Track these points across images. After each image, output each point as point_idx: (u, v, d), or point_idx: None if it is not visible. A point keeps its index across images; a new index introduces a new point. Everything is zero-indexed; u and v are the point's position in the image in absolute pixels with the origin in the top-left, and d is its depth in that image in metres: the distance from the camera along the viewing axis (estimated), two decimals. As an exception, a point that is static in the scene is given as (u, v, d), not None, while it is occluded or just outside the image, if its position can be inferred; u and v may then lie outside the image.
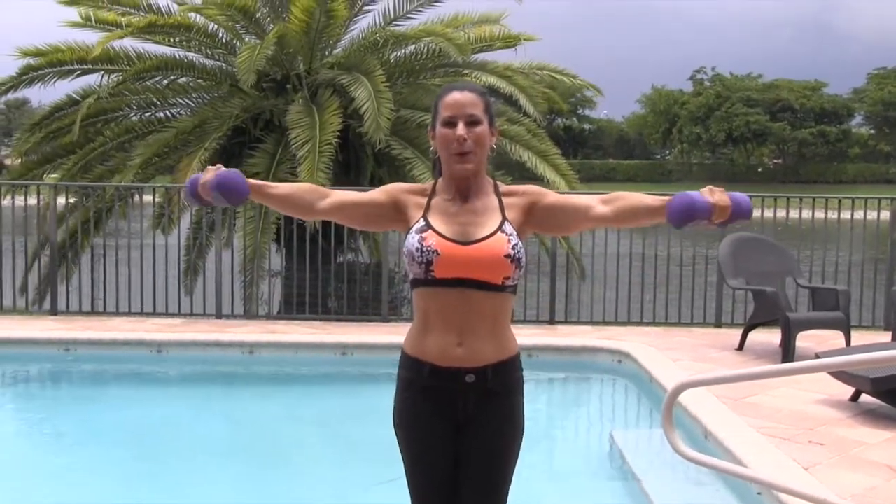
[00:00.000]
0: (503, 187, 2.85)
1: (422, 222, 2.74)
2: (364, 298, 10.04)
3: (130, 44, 12.28)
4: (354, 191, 2.96)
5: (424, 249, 2.68)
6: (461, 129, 2.72)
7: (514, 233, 2.73)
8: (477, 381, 2.75)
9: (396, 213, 2.82)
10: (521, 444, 2.84)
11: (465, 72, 12.48)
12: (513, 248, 2.70)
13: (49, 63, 12.30)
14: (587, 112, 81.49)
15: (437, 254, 2.67)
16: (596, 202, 2.75)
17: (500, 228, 2.72)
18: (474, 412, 2.78)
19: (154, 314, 9.39)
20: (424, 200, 2.80)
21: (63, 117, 12.72)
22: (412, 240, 2.71)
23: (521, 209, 2.79)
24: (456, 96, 2.77)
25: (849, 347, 7.34)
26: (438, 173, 2.87)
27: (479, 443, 2.78)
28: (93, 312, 9.62)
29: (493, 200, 2.79)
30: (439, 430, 2.79)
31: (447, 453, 2.79)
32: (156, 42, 12.40)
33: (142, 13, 12.55)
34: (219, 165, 2.72)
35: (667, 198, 2.61)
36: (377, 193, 2.86)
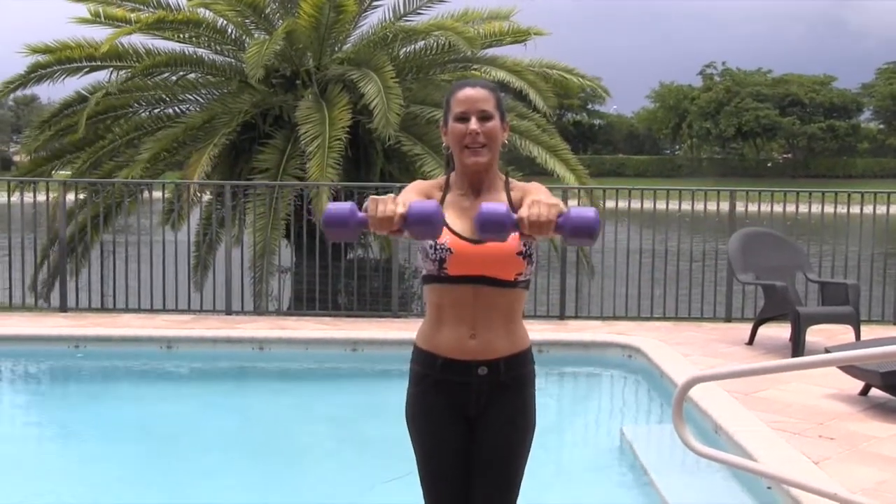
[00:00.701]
0: (513, 183, 2.86)
1: None
2: (374, 294, 10.05)
3: (139, 40, 12.33)
4: (407, 198, 2.77)
5: (438, 247, 2.70)
6: (473, 123, 2.75)
7: None
8: (489, 373, 2.76)
9: None
10: (532, 437, 2.85)
11: (475, 67, 12.49)
12: (524, 244, 2.71)
13: (58, 60, 12.33)
14: (597, 107, 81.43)
15: (451, 252, 2.69)
16: None
17: None
18: (486, 406, 2.78)
19: (164, 310, 9.41)
20: (440, 196, 2.82)
21: (72, 114, 12.76)
22: None
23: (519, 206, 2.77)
24: (468, 92, 2.79)
25: (859, 342, 7.32)
26: (451, 169, 2.88)
27: (492, 436, 2.79)
28: (102, 309, 9.64)
29: (504, 197, 2.81)
30: (451, 423, 2.80)
31: (459, 447, 2.80)
32: (165, 38, 12.42)
33: (151, 9, 12.58)
34: (391, 195, 2.42)
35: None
36: (413, 195, 2.77)
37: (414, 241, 2.51)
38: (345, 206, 2.39)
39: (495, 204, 2.40)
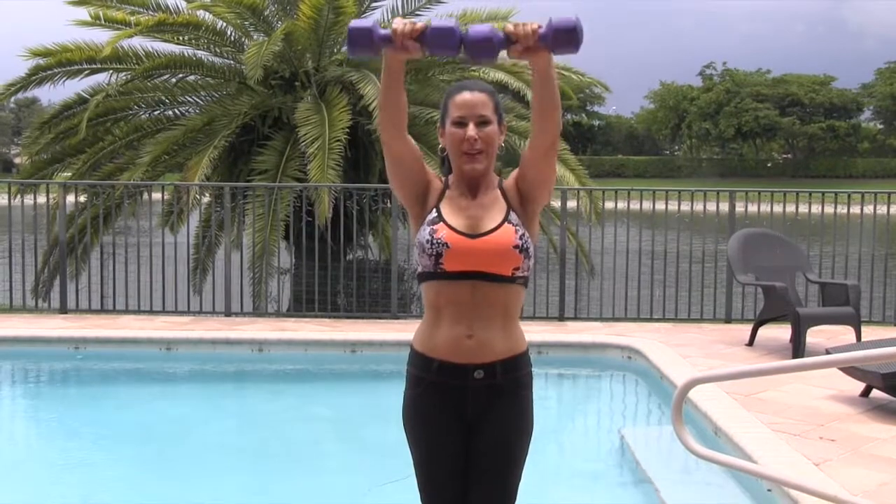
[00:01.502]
0: (504, 182, 2.87)
1: (434, 213, 2.77)
2: (373, 295, 10.05)
3: (139, 42, 12.32)
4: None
5: (435, 241, 2.71)
6: (472, 129, 2.75)
7: (521, 223, 2.76)
8: (486, 377, 2.75)
9: (425, 186, 2.83)
10: (530, 440, 2.84)
11: (474, 68, 12.47)
12: (520, 238, 2.73)
13: (58, 63, 12.33)
14: (596, 108, 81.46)
15: (447, 246, 2.70)
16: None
17: (506, 219, 2.75)
18: (483, 409, 2.78)
19: (163, 312, 9.41)
20: (440, 191, 2.83)
21: (72, 116, 12.76)
22: (423, 231, 2.75)
23: (514, 190, 2.81)
24: (466, 97, 2.79)
25: (859, 343, 7.31)
26: (447, 170, 2.89)
27: (489, 440, 2.78)
28: (102, 311, 9.64)
29: (498, 193, 2.82)
30: (448, 427, 2.79)
31: (456, 450, 2.79)
32: (164, 40, 12.42)
33: (151, 12, 12.58)
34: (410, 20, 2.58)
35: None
36: (423, 162, 2.87)
37: (434, 55, 2.64)
38: (367, 21, 2.59)
39: (481, 25, 2.53)
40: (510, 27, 2.49)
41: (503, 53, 2.55)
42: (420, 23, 2.53)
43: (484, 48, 2.50)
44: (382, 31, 2.56)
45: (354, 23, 2.58)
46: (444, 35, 2.52)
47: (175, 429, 6.44)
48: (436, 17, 12.74)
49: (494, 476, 2.78)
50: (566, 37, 2.48)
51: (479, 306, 2.72)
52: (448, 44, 2.53)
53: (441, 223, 2.74)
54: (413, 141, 2.83)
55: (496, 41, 2.50)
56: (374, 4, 13.12)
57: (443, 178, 2.88)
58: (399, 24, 2.52)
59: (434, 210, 2.78)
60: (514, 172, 2.84)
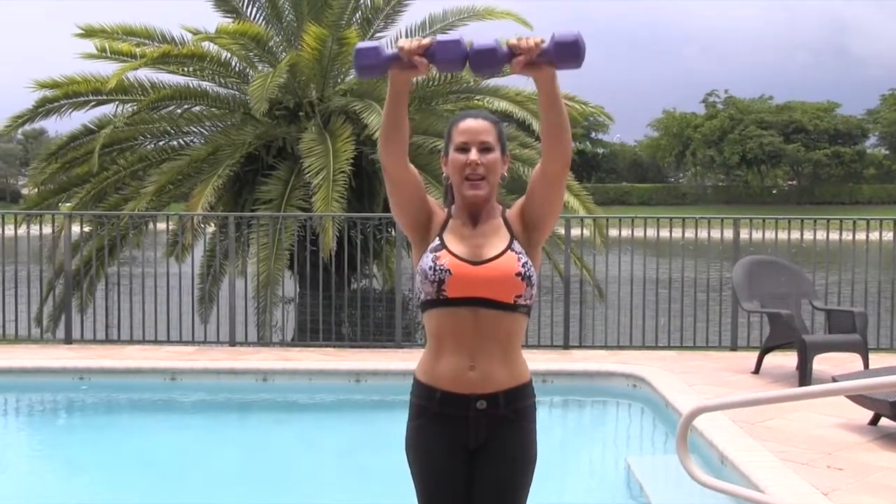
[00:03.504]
0: (507, 212, 2.88)
1: (437, 241, 2.78)
2: (378, 325, 10.03)
3: (145, 74, 12.41)
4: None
5: (437, 268, 2.72)
6: (474, 154, 2.77)
7: (524, 251, 2.76)
8: (489, 407, 2.74)
9: (427, 214, 2.85)
10: (533, 471, 2.82)
11: (478, 97, 12.54)
12: (523, 265, 2.73)
13: (65, 94, 12.41)
14: (600, 136, 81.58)
15: (450, 273, 2.70)
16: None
17: (509, 247, 2.75)
18: (487, 439, 2.76)
19: (168, 342, 9.40)
20: (442, 220, 2.84)
21: (78, 147, 12.83)
22: (426, 259, 2.75)
23: (518, 218, 2.83)
24: (470, 123, 2.81)
25: (867, 370, 7.27)
26: (451, 200, 2.90)
27: (492, 471, 2.76)
28: (107, 341, 9.63)
29: (501, 223, 2.83)
30: (451, 457, 2.77)
31: (459, 481, 2.78)
32: (170, 72, 12.51)
33: (156, 43, 12.67)
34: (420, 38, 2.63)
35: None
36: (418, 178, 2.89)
37: (441, 70, 2.66)
38: (373, 42, 2.66)
39: (486, 40, 2.56)
40: (513, 41, 2.52)
41: (509, 69, 2.59)
42: (426, 39, 2.58)
43: (488, 60, 2.55)
44: (389, 51, 2.62)
45: (361, 43, 2.63)
46: (449, 48, 2.56)
47: (179, 459, 6.42)
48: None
49: (498, 507, 2.75)
50: (568, 50, 2.52)
51: (481, 335, 2.72)
52: (453, 57, 2.56)
53: (444, 250, 2.75)
54: (414, 168, 2.84)
55: (500, 54, 2.54)
56: (377, 35, 13.19)
57: (446, 209, 2.89)
58: (405, 41, 2.57)
59: (437, 238, 2.80)
60: (520, 201, 2.85)
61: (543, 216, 2.81)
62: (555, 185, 2.77)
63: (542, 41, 2.52)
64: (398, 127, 2.73)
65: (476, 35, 2.70)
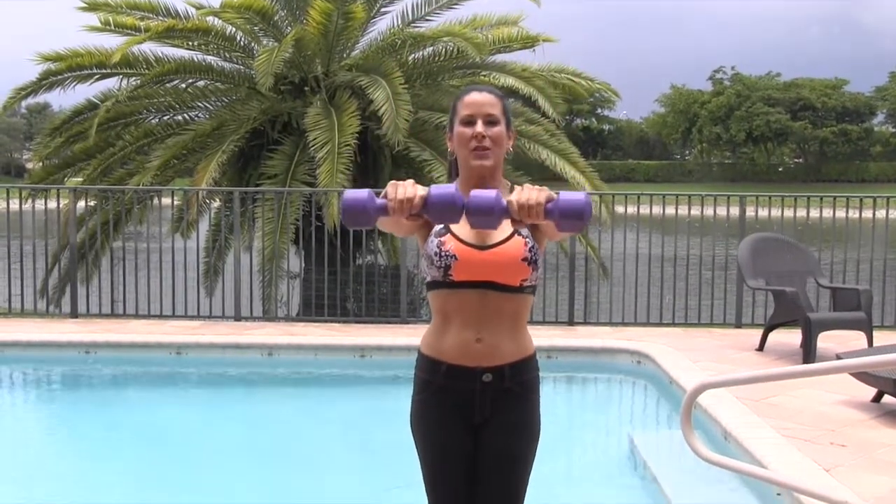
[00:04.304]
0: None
1: (440, 225, 2.75)
2: (383, 300, 10.05)
3: (149, 48, 12.36)
4: None
5: (443, 254, 2.70)
6: (479, 127, 2.75)
7: (530, 235, 2.75)
8: (494, 380, 2.75)
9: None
10: (537, 445, 2.84)
11: (484, 73, 12.48)
12: (529, 250, 2.72)
13: (69, 67, 12.38)
14: (606, 112, 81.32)
15: (456, 258, 2.69)
16: None
17: (516, 231, 2.73)
18: (491, 413, 2.77)
19: (173, 316, 9.42)
20: None
21: (83, 121, 12.80)
22: (431, 244, 2.73)
23: None
24: (475, 96, 2.80)
25: (871, 348, 7.27)
26: (455, 175, 2.88)
27: (496, 444, 2.77)
28: (113, 315, 9.66)
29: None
30: (456, 431, 2.78)
31: (464, 455, 2.79)
32: (174, 46, 12.46)
33: (160, 17, 12.61)
34: (411, 181, 2.47)
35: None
36: None
37: (433, 222, 2.56)
38: (362, 192, 2.42)
39: (485, 191, 2.42)
40: (514, 202, 2.39)
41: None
42: (418, 193, 2.40)
43: (485, 219, 2.39)
44: (379, 202, 2.42)
45: (349, 194, 2.42)
46: (445, 207, 2.39)
47: (184, 433, 6.46)
48: (445, 22, 12.73)
49: (502, 479, 2.78)
50: (572, 220, 2.38)
51: (487, 313, 2.72)
52: (449, 215, 2.42)
53: (448, 234, 2.73)
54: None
55: (497, 211, 2.38)
56: (383, 10, 13.11)
57: None
58: (393, 193, 2.40)
59: None
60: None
61: (540, 235, 2.81)
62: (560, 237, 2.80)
63: (544, 203, 2.37)
64: (402, 230, 2.74)
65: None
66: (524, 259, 2.70)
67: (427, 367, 2.81)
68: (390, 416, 6.46)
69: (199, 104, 12.98)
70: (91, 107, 12.80)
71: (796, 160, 77.98)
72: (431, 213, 2.42)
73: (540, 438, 2.84)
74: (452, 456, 2.79)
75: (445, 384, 2.77)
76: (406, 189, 2.40)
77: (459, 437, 2.78)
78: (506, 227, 2.72)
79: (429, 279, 2.77)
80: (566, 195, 2.39)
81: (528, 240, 2.73)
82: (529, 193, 2.39)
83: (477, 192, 2.41)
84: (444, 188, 2.42)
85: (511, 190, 2.82)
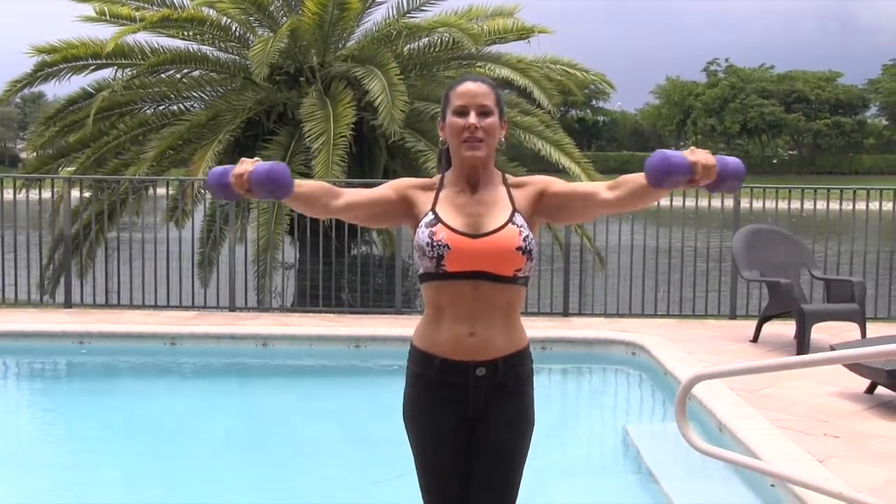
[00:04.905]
0: (511, 179, 2.83)
1: (431, 216, 2.72)
2: (377, 291, 10.05)
3: (144, 38, 12.33)
4: (365, 189, 2.89)
5: (435, 244, 2.67)
6: (472, 118, 2.71)
7: (525, 224, 2.72)
8: (488, 374, 2.73)
9: (405, 208, 2.79)
10: (531, 437, 2.82)
11: (479, 64, 12.46)
12: (524, 240, 2.68)
13: (63, 58, 12.34)
14: (601, 104, 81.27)
15: (448, 248, 2.66)
16: (602, 188, 2.74)
17: (510, 220, 2.70)
18: (485, 406, 2.75)
19: (167, 307, 9.42)
20: (433, 194, 2.78)
21: (77, 111, 12.78)
22: (422, 234, 2.69)
23: (529, 200, 2.77)
24: (468, 86, 2.77)
25: (864, 339, 7.29)
26: (446, 165, 2.85)
27: (490, 437, 2.76)
28: (107, 305, 9.65)
29: (502, 191, 2.78)
30: (449, 424, 2.77)
31: (457, 448, 2.77)
32: (169, 36, 12.43)
33: (155, 7, 12.58)
34: (256, 159, 2.63)
35: None
36: (386, 189, 2.82)
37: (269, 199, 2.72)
38: (224, 168, 2.64)
39: (670, 151, 2.48)
40: (698, 164, 2.45)
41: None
42: (249, 166, 2.58)
43: (671, 179, 2.50)
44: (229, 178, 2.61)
45: (215, 169, 2.67)
46: (264, 183, 2.55)
47: (179, 423, 6.45)
48: (440, 13, 12.71)
49: (496, 473, 2.76)
50: (736, 181, 2.56)
51: (480, 305, 2.69)
52: (270, 187, 2.56)
53: (439, 224, 2.69)
54: (353, 195, 2.82)
55: (684, 170, 2.48)
56: (378, 0, 13.09)
57: (438, 178, 2.83)
58: (235, 169, 2.59)
59: (430, 212, 2.73)
60: (541, 184, 2.79)
61: (567, 218, 2.86)
62: (601, 211, 2.79)
63: (716, 164, 2.49)
64: (310, 206, 2.76)
65: None
66: (518, 248, 2.67)
67: (420, 360, 2.79)
68: (385, 406, 6.42)
69: (195, 94, 12.96)
70: (85, 96, 12.78)
71: (790, 152, 78.09)
72: (255, 187, 2.55)
73: (534, 430, 2.83)
74: (446, 449, 2.77)
75: (438, 378, 2.75)
76: (243, 164, 2.58)
77: (453, 430, 2.76)
78: (499, 215, 2.70)
79: (421, 271, 2.73)
80: (724, 159, 2.53)
81: (522, 229, 2.69)
82: (706, 155, 2.46)
83: (661, 153, 2.49)
84: (270, 164, 2.57)
85: (504, 180, 2.81)
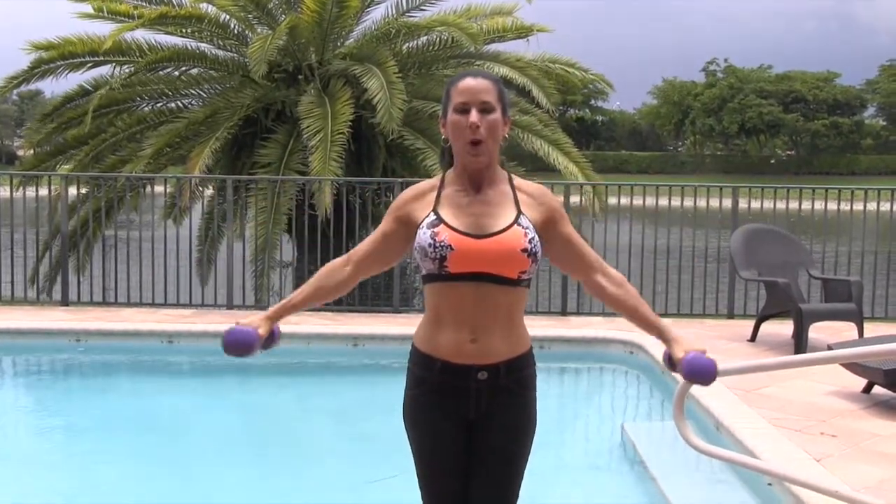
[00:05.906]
0: (518, 181, 2.75)
1: (432, 216, 2.65)
2: (376, 289, 10.04)
3: (142, 35, 12.33)
4: (367, 238, 2.86)
5: (437, 245, 2.60)
6: (474, 115, 2.62)
7: (531, 226, 2.64)
8: (489, 378, 2.68)
9: (409, 228, 2.72)
10: (533, 439, 2.79)
11: (478, 62, 12.49)
12: (529, 241, 2.61)
13: (61, 56, 12.34)
14: (599, 103, 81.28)
15: (451, 249, 2.59)
16: (599, 270, 2.80)
17: (516, 221, 2.63)
18: (486, 409, 2.71)
19: (165, 305, 9.40)
20: (433, 195, 2.72)
21: (75, 108, 12.78)
22: (424, 235, 2.63)
23: (539, 216, 2.70)
24: (469, 82, 2.67)
25: (861, 339, 7.29)
26: (448, 163, 2.78)
27: (492, 440, 2.72)
28: (104, 303, 9.64)
29: (508, 191, 2.71)
30: (450, 427, 2.73)
31: (458, 450, 2.74)
32: (168, 33, 12.44)
33: (154, 4, 12.59)
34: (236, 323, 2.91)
35: (661, 321, 2.90)
36: (386, 224, 2.77)
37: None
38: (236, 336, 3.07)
39: (705, 359, 2.73)
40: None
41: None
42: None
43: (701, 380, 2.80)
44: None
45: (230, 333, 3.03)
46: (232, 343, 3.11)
47: (176, 421, 6.44)
48: (439, 11, 12.72)
49: (497, 475, 2.73)
50: (700, 380, 2.79)
51: (482, 308, 2.63)
52: (235, 350, 3.13)
53: (441, 225, 2.62)
54: (358, 254, 2.84)
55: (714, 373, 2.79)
56: (377, 1, 13.09)
57: (437, 177, 2.77)
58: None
59: (432, 213, 2.67)
60: (551, 207, 2.74)
61: (553, 259, 2.83)
62: (583, 281, 2.88)
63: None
64: (327, 295, 2.92)
65: None
66: (524, 250, 2.60)
67: (421, 362, 2.74)
68: (383, 404, 6.43)
69: (193, 92, 12.97)
70: (83, 93, 12.78)
71: (788, 152, 78.15)
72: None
73: (536, 431, 2.80)
74: (446, 451, 2.74)
75: (439, 380, 2.70)
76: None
77: (453, 432, 2.73)
78: (505, 215, 2.64)
79: (424, 272, 2.67)
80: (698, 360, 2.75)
81: (528, 230, 2.62)
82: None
83: (699, 360, 2.74)
84: (236, 334, 3.08)
85: (510, 179, 2.74)
